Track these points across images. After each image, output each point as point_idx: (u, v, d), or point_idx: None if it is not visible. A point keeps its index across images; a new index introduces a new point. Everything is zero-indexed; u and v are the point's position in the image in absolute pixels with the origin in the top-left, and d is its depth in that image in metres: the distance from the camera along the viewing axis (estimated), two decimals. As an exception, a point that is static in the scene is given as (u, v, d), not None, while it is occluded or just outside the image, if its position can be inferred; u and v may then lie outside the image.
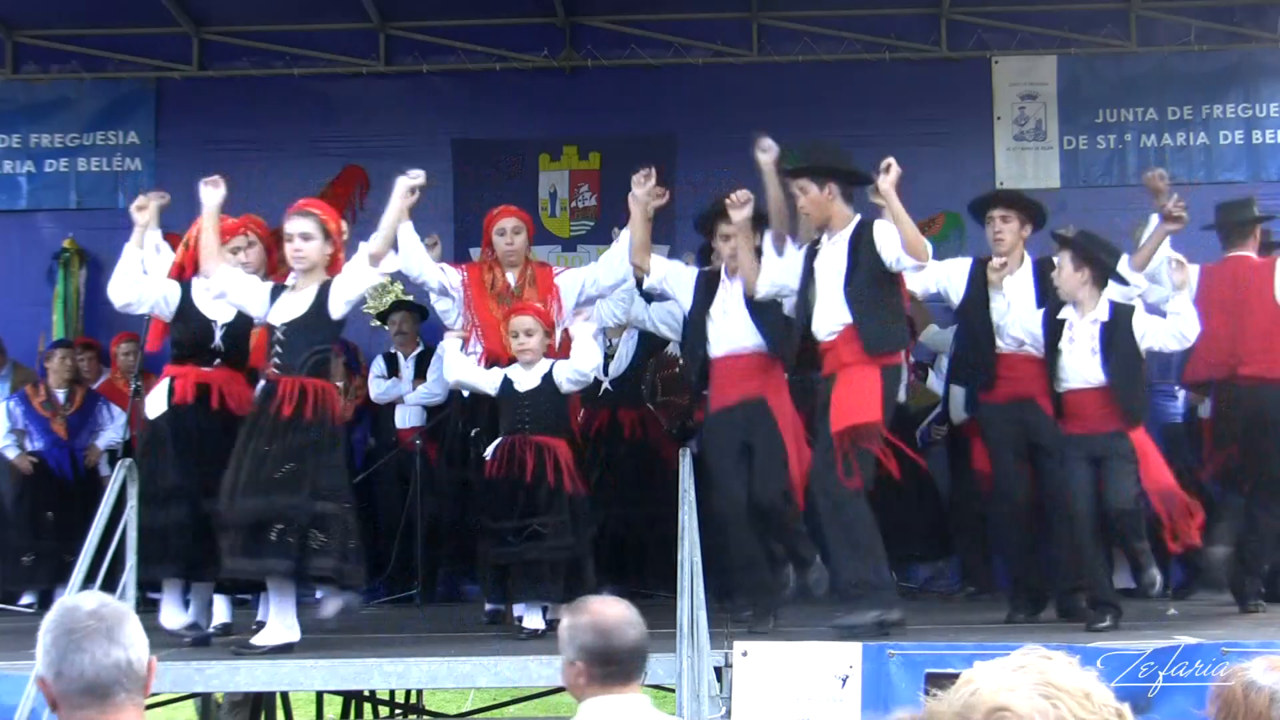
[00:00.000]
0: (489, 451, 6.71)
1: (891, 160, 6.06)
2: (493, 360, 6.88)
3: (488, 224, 7.23)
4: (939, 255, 7.09)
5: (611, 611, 3.33)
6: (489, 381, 6.83)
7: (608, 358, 8.30)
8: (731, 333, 6.65)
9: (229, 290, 6.29)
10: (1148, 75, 10.27)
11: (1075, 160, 10.25)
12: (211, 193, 6.31)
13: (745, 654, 5.48)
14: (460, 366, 6.89)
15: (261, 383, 6.19)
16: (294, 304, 6.20)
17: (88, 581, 5.58)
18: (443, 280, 7.10)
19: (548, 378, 6.68)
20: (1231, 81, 10.28)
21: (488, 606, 7.25)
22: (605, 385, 8.29)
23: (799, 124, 10.05)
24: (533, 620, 6.52)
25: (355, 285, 6.24)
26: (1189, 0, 10.12)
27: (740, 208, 6.51)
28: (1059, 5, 10.18)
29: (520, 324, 6.74)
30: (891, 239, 6.13)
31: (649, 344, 8.32)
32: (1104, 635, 6.06)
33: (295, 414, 5.97)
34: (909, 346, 6.59)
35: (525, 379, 6.72)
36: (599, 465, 8.00)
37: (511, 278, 7.11)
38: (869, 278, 6.20)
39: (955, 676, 1.83)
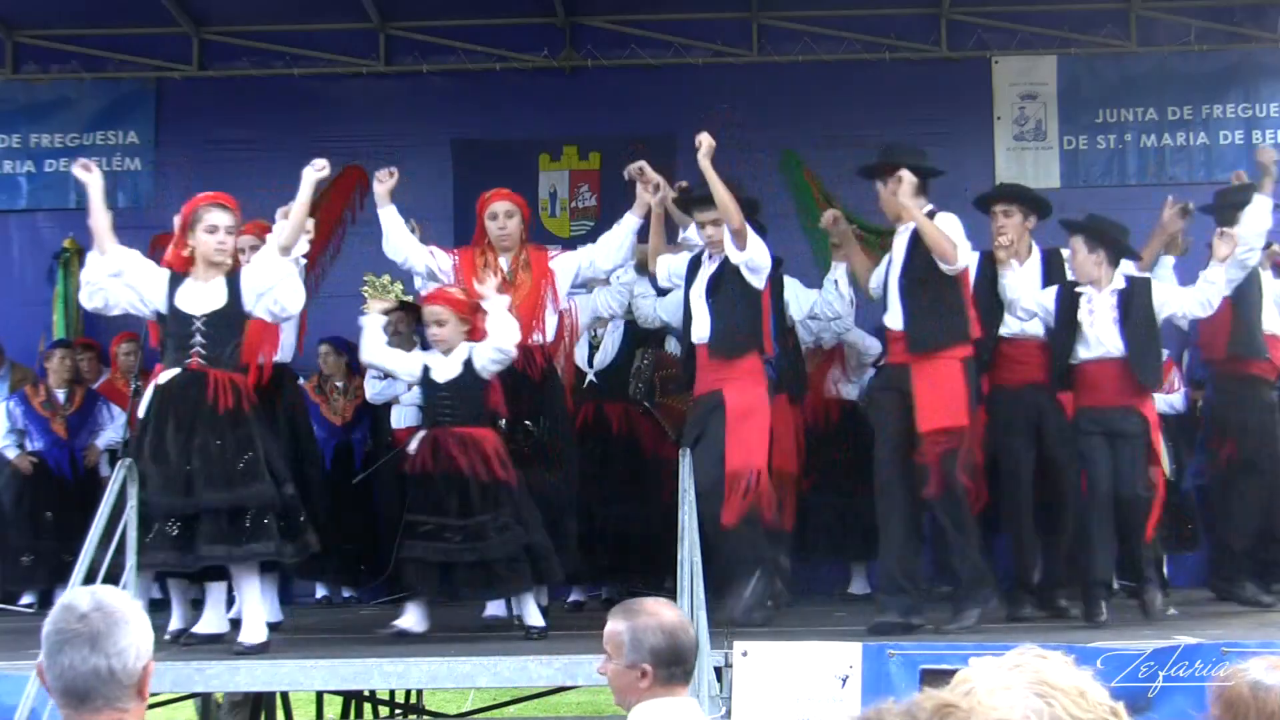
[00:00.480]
0: (412, 446, 6.61)
1: (902, 172, 6.30)
2: None
3: (480, 207, 7.09)
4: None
5: (669, 612, 3.42)
6: (405, 367, 6.72)
7: (593, 348, 8.21)
8: (699, 321, 6.62)
9: (125, 270, 6.26)
10: (1148, 75, 10.27)
11: (1075, 160, 10.25)
12: (89, 177, 6.32)
13: (745, 654, 5.48)
14: (375, 348, 6.75)
15: (176, 370, 6.13)
16: (208, 295, 6.18)
17: (88, 582, 5.57)
18: (430, 264, 7.00)
19: (468, 364, 6.55)
20: (1231, 81, 10.28)
21: (399, 626, 6.50)
22: (590, 378, 8.16)
23: (799, 124, 10.11)
24: (533, 618, 6.51)
25: (266, 277, 6.24)
26: (1189, 0, 10.12)
27: (833, 225, 7.03)
28: (1059, 5, 10.17)
29: (431, 313, 6.65)
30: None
31: (635, 335, 8.13)
32: (1104, 632, 6.08)
33: (236, 407, 6.05)
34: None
35: (444, 367, 6.58)
36: (591, 461, 7.86)
37: (505, 263, 6.96)
38: (923, 272, 6.33)
39: (951, 672, 1.83)
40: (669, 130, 9.66)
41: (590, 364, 8.18)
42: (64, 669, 2.37)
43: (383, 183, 6.88)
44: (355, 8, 10.10)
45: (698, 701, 5.11)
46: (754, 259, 6.47)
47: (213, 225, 6.20)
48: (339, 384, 9.30)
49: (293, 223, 6.29)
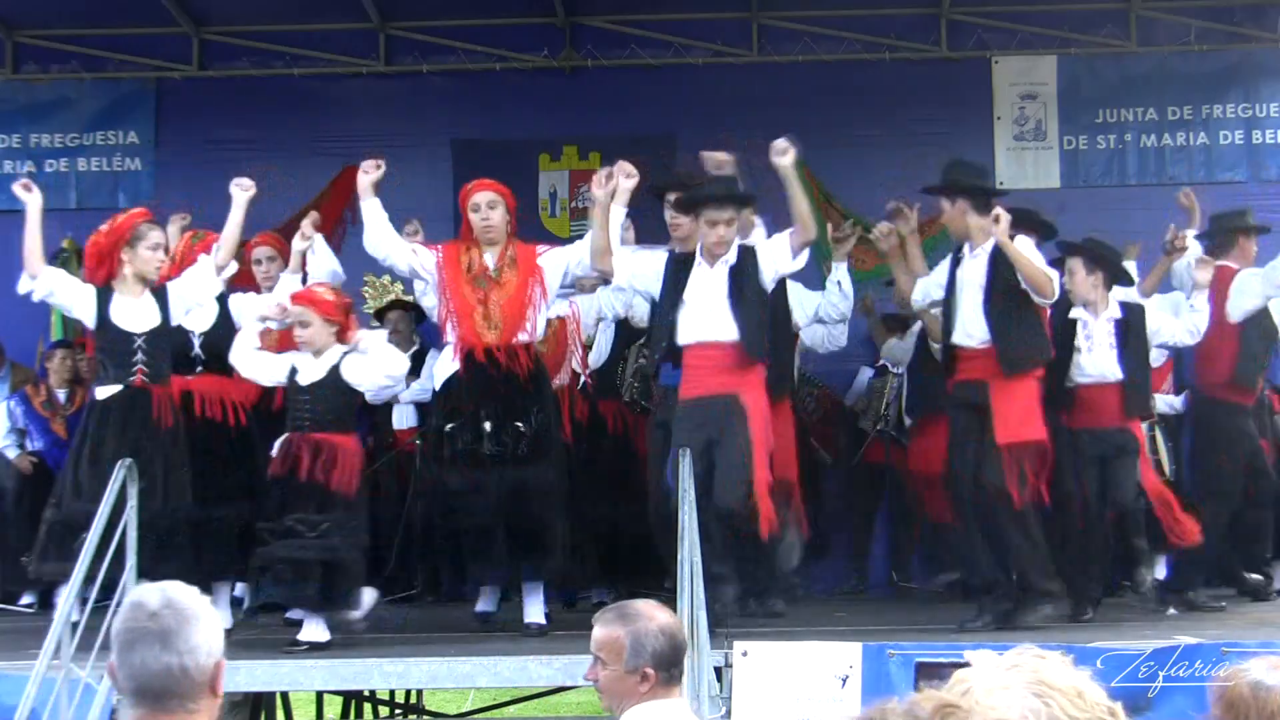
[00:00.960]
0: (275, 448, 6.47)
1: (999, 210, 6.36)
2: (469, 350, 6.58)
3: (462, 200, 6.86)
4: (940, 255, 7.16)
5: (663, 614, 3.42)
6: (270, 374, 6.51)
7: (584, 349, 8.13)
8: (707, 321, 6.34)
9: (55, 290, 6.33)
10: (1148, 75, 10.27)
11: (1075, 160, 10.25)
12: (29, 197, 6.33)
13: (745, 654, 5.49)
14: (242, 352, 6.53)
15: (119, 388, 6.22)
16: (142, 312, 6.26)
17: (87, 582, 5.56)
18: (413, 263, 6.78)
19: (334, 370, 6.36)
20: (1231, 81, 10.28)
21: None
22: (584, 378, 8.07)
23: (799, 124, 10.07)
24: (309, 632, 6.24)
25: (195, 293, 6.39)
26: (1189, 0, 10.13)
27: (886, 236, 6.98)
28: (1059, 5, 10.18)
29: (294, 314, 6.44)
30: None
31: (627, 334, 8.01)
32: (1104, 632, 6.09)
33: (175, 425, 6.21)
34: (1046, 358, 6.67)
35: (310, 370, 6.38)
36: (585, 462, 7.76)
37: (490, 258, 6.69)
38: (1008, 294, 6.39)
39: (947, 667, 1.84)
40: (669, 130, 9.67)
41: (584, 364, 8.11)
42: (136, 668, 2.32)
43: (368, 174, 6.68)
44: (355, 8, 10.10)
45: (696, 702, 5.14)
46: (794, 271, 6.53)
47: (156, 243, 6.31)
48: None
49: (226, 243, 6.38)
